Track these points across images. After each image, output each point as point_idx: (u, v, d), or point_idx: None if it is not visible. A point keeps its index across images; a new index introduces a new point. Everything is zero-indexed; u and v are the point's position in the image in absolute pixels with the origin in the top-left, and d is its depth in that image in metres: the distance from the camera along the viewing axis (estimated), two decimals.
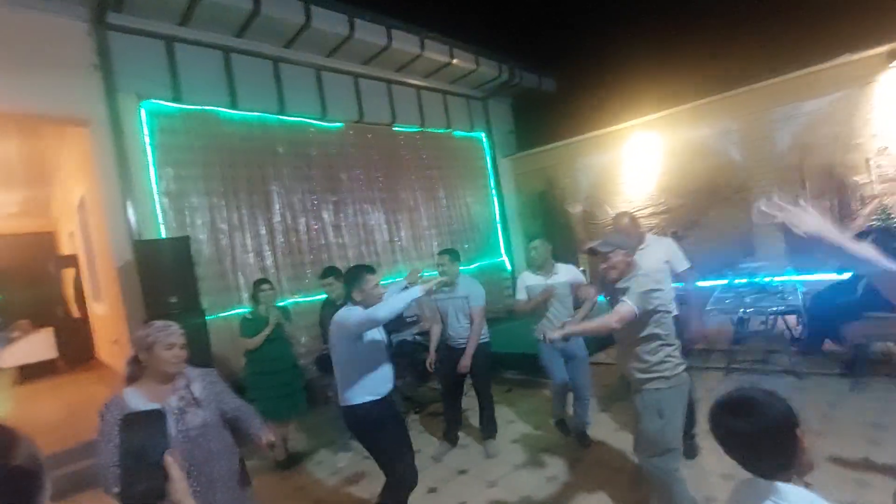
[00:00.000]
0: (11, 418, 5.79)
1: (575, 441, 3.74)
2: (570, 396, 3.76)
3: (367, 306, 2.51)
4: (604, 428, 3.93)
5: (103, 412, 1.75)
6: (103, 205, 4.84)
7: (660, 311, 2.28)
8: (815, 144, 6.17)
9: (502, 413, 4.35)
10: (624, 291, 2.30)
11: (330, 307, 3.86)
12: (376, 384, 2.57)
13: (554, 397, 3.93)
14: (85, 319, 8.43)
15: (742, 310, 4.75)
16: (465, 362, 3.67)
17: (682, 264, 3.31)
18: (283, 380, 3.92)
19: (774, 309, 4.59)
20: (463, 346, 3.74)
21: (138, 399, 1.79)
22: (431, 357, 3.93)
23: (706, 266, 6.80)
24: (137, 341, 1.84)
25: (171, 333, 1.85)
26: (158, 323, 1.88)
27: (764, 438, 1.15)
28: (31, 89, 4.38)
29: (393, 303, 2.44)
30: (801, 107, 6.24)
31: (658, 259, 3.20)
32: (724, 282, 5.60)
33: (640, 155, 7.81)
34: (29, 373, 7.83)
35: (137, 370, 1.86)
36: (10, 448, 0.75)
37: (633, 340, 2.34)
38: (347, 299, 2.65)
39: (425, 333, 5.61)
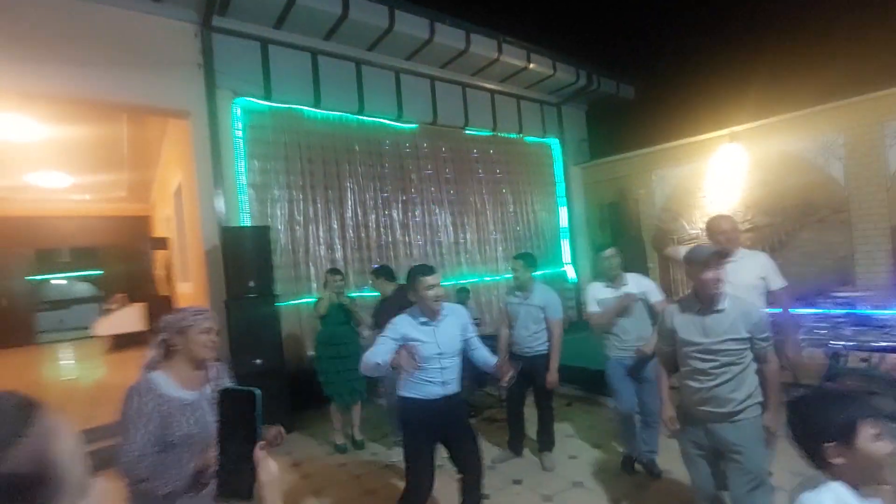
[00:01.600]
0: (101, 381, 6.39)
1: (644, 472, 3.53)
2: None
3: (420, 308, 2.55)
4: (672, 455, 3.68)
5: (136, 393, 1.62)
6: (197, 192, 5.23)
7: None
8: None
9: (561, 427, 4.21)
10: (720, 311, 2.19)
11: (382, 303, 4.11)
12: (420, 385, 2.56)
13: (621, 426, 3.54)
14: (172, 297, 9.16)
15: (839, 343, 4.28)
16: (552, 378, 3.60)
17: (779, 282, 2.96)
18: (349, 365, 4.03)
19: (879, 345, 4.10)
20: (528, 354, 3.67)
21: (170, 384, 1.69)
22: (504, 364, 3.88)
23: (794, 291, 6.26)
24: (171, 324, 1.73)
25: (207, 318, 1.76)
26: (192, 307, 1.81)
27: (802, 440, 1.35)
28: (143, 83, 4.84)
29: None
30: None
31: (754, 274, 2.88)
32: (818, 311, 5.09)
33: (725, 168, 7.32)
34: (120, 342, 8.66)
35: (167, 354, 1.75)
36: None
37: (739, 367, 2.21)
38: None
39: (484, 337, 5.57)
